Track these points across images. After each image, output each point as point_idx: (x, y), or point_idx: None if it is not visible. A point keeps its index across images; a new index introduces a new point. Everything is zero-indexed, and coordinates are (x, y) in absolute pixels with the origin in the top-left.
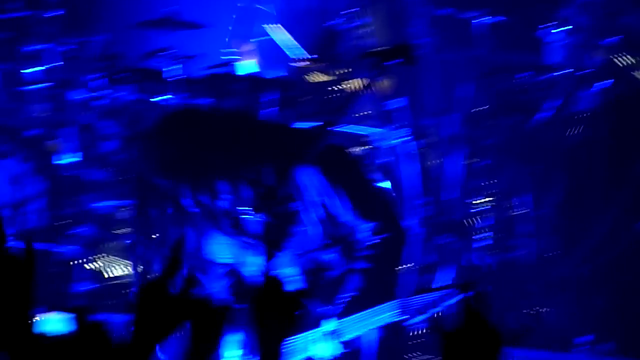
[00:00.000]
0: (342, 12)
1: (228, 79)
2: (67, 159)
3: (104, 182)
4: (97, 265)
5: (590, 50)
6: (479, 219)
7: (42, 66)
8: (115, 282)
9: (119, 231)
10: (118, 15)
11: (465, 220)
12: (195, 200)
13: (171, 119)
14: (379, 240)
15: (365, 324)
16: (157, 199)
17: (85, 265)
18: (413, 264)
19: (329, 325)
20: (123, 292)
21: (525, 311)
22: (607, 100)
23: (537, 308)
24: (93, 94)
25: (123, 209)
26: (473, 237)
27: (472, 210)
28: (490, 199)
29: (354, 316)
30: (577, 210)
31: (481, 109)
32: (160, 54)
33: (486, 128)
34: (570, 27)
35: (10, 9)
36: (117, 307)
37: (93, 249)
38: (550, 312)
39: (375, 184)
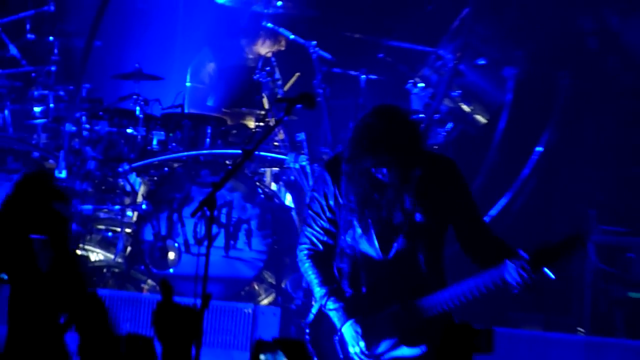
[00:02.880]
0: (264, 67)
1: (180, 116)
2: (60, 175)
3: (86, 192)
4: (82, 252)
5: (443, 100)
6: None
7: (43, 106)
8: (95, 265)
9: (98, 226)
10: (96, 67)
11: None
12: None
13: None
14: None
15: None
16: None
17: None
18: None
19: None
20: (101, 272)
21: None
22: (454, 135)
23: None
24: (80, 127)
25: (100, 211)
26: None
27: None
28: None
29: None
30: None
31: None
32: (130, 97)
33: None
34: (430, 82)
35: (20, 65)
36: (96, 285)
37: (78, 240)
38: None
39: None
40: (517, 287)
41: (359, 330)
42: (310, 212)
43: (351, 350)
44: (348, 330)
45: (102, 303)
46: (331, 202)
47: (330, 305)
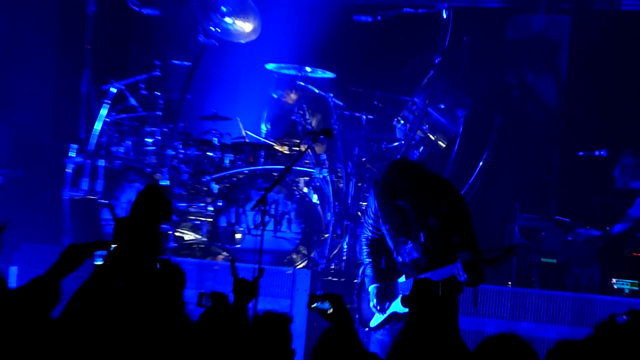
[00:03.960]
0: (298, 111)
1: (243, 144)
2: (164, 183)
3: (181, 194)
4: (178, 234)
5: (416, 132)
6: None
7: (152, 138)
8: (187, 242)
9: (189, 217)
10: (187, 112)
11: (357, 213)
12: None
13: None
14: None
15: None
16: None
17: (174, 234)
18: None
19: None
20: (192, 247)
21: None
22: (425, 155)
23: None
24: (177, 151)
25: (192, 207)
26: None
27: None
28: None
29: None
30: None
31: (364, 159)
32: (210, 132)
33: (366, 169)
34: (408, 120)
35: (137, 111)
36: (188, 255)
37: (176, 226)
38: None
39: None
40: (461, 278)
41: (376, 292)
42: (365, 214)
43: (370, 304)
44: (371, 291)
45: (181, 270)
46: (373, 209)
47: (367, 271)
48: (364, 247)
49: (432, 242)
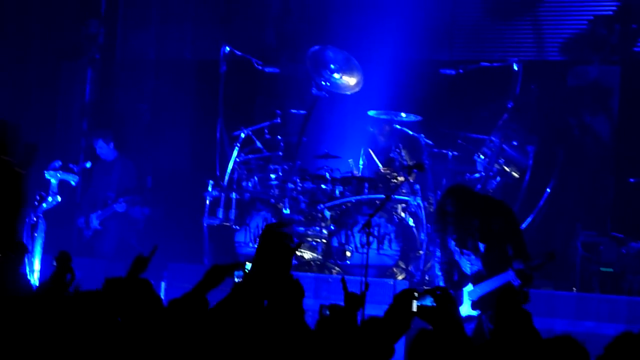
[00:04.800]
0: (395, 149)
1: (351, 177)
2: (286, 211)
3: (300, 220)
4: (298, 253)
5: (494, 165)
6: None
7: (275, 174)
8: (306, 260)
9: (307, 239)
10: (304, 152)
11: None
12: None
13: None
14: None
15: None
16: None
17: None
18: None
19: (468, 288)
20: (310, 264)
21: None
22: (501, 184)
23: None
24: (296, 185)
25: (309, 231)
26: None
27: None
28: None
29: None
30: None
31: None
32: (322, 168)
33: None
34: (487, 155)
35: (262, 152)
36: (307, 271)
37: (298, 247)
38: None
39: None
40: (515, 282)
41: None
42: (437, 237)
43: None
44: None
45: (300, 284)
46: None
47: (441, 283)
48: (437, 264)
49: (490, 254)
